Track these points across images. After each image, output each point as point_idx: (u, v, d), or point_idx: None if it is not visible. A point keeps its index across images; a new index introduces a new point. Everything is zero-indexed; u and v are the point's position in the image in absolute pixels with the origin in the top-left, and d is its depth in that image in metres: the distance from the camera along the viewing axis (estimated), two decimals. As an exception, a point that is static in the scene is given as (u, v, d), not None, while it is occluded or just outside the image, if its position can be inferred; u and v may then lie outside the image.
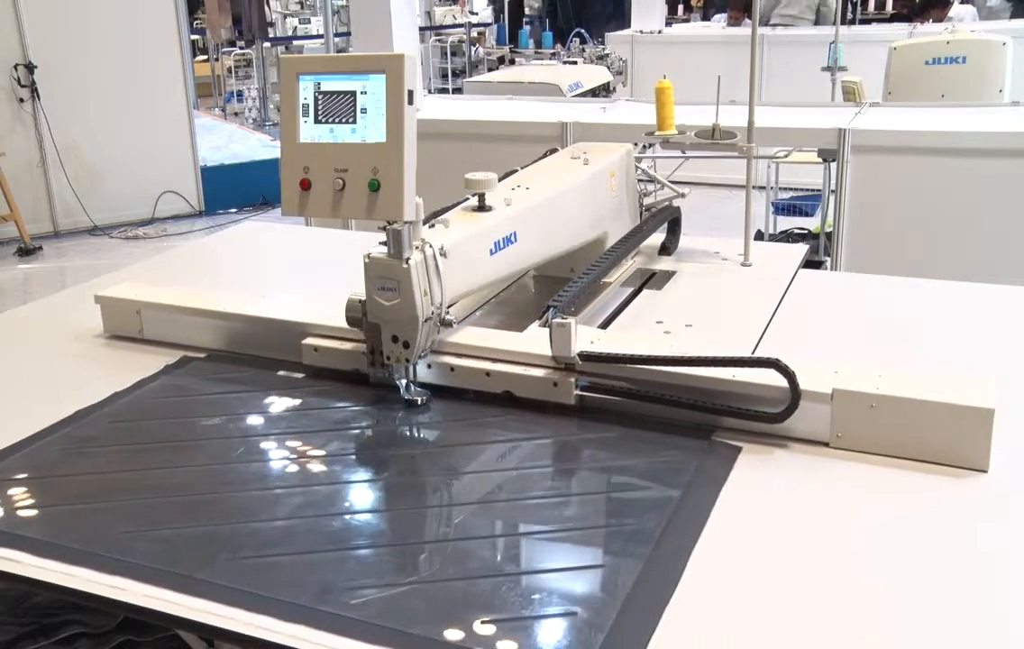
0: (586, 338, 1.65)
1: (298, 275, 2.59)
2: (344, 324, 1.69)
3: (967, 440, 1.40)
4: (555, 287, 1.86)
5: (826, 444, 1.48)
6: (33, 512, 1.42)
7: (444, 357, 1.70)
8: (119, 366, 1.88)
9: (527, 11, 12.92)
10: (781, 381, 1.46)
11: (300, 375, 1.80)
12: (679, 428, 1.54)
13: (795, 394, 1.45)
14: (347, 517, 1.36)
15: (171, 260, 3.05)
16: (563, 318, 1.62)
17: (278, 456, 1.55)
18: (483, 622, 1.10)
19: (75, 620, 1.59)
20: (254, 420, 1.68)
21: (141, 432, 1.63)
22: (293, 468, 1.51)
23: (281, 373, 1.81)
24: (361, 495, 1.44)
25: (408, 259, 1.53)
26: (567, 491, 1.45)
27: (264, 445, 1.59)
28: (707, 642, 1.08)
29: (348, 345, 1.75)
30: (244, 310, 1.91)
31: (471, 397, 1.67)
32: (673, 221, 2.40)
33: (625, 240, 2.19)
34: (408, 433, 1.62)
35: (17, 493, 1.45)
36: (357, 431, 1.62)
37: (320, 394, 1.72)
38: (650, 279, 2.29)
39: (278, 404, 1.71)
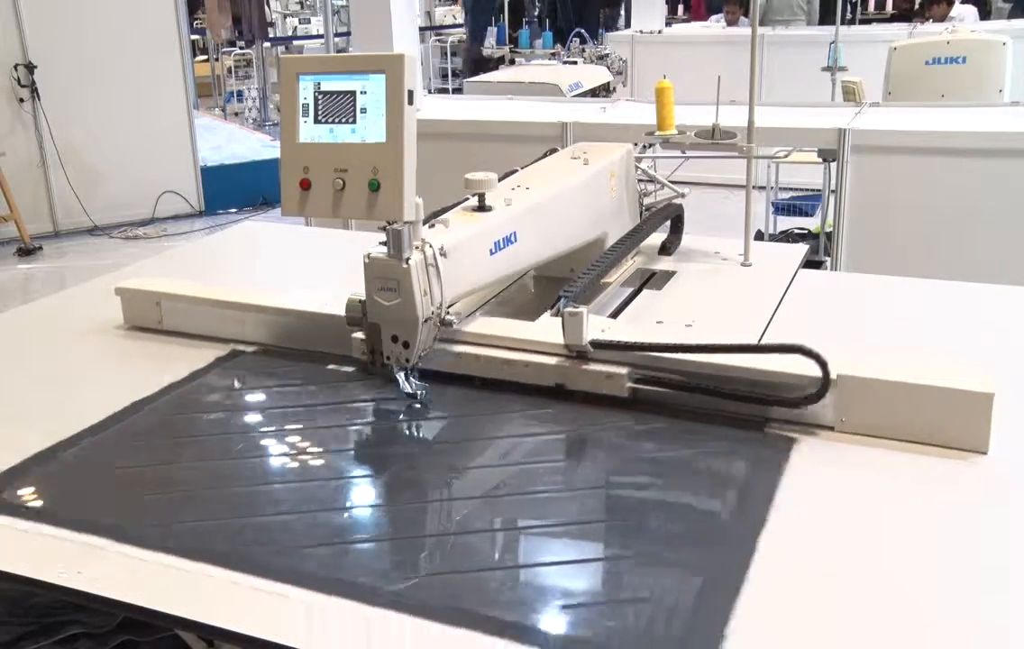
0: (597, 327, 1.67)
1: (298, 275, 2.59)
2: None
3: (968, 423, 1.43)
4: (555, 287, 1.86)
5: (831, 428, 1.51)
6: (104, 500, 1.43)
7: (487, 350, 1.72)
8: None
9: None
10: (798, 368, 1.49)
11: (351, 369, 1.80)
12: (712, 417, 1.57)
13: (825, 378, 1.46)
14: (420, 505, 1.40)
15: (171, 260, 3.05)
16: (575, 307, 1.64)
17: (352, 447, 1.59)
18: (564, 608, 1.13)
19: (75, 620, 1.59)
20: (315, 413, 1.69)
21: (200, 424, 1.66)
22: (375, 457, 1.56)
23: (331, 367, 1.82)
24: (431, 485, 1.48)
25: (408, 259, 1.53)
26: (624, 483, 1.47)
27: (334, 437, 1.61)
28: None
29: (491, 351, 1.76)
30: (292, 305, 1.92)
31: (501, 388, 1.70)
32: (676, 218, 2.40)
33: (632, 234, 2.21)
34: (463, 426, 1.65)
35: (84, 482, 1.47)
36: (415, 423, 1.64)
37: (373, 387, 1.74)
38: (650, 279, 2.30)
39: (341, 396, 1.73)
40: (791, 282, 2.21)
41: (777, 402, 1.52)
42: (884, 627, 1.08)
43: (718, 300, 2.16)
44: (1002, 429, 1.44)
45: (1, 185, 7.34)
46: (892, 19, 11.50)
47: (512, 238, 1.82)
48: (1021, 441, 1.48)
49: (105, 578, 1.21)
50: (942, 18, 8.33)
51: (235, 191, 8.78)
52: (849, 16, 11.24)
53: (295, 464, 1.54)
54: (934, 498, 1.36)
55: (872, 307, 2.14)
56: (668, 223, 2.41)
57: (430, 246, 1.57)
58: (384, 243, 1.55)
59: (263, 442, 1.61)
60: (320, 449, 1.57)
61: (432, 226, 1.67)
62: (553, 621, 1.11)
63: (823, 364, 1.46)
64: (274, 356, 1.90)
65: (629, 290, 2.21)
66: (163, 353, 1.94)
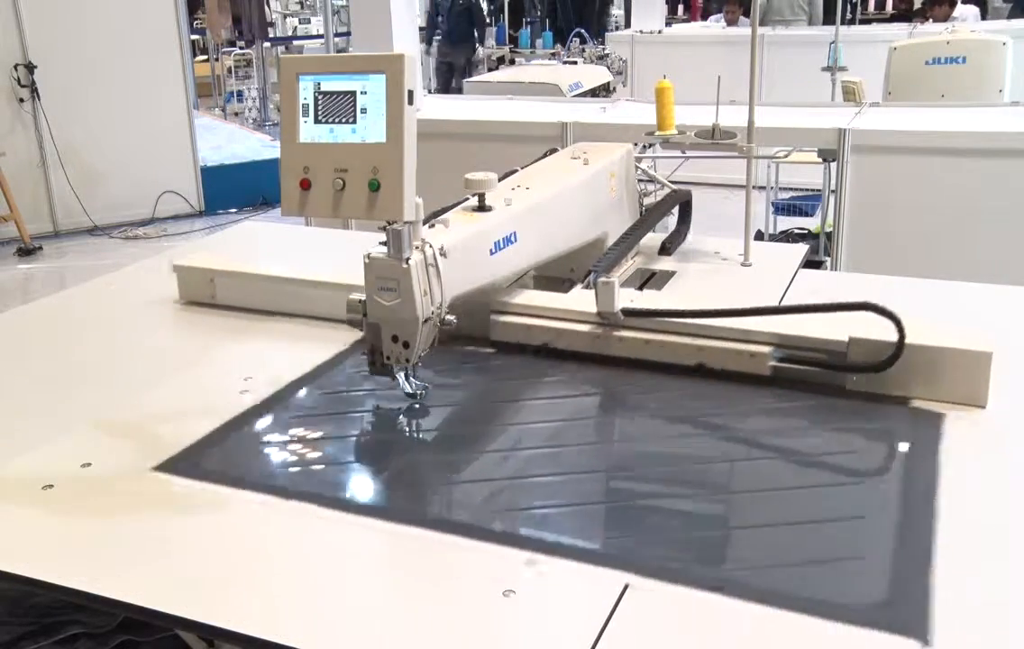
0: (626, 298, 1.81)
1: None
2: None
3: (969, 379, 1.56)
4: (555, 287, 1.87)
5: (843, 387, 1.63)
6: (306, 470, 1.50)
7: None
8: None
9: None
10: (832, 332, 1.63)
11: (489, 351, 1.87)
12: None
13: (901, 340, 1.55)
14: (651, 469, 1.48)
15: (173, 259, 3.04)
16: (607, 277, 1.77)
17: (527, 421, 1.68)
18: (774, 567, 1.20)
19: (75, 620, 1.59)
20: (485, 387, 1.80)
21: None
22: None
23: (469, 348, 1.88)
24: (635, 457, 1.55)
25: (408, 259, 1.53)
26: (794, 455, 1.53)
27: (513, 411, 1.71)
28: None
29: (534, 320, 1.85)
30: None
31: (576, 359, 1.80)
32: (685, 204, 2.41)
33: (648, 215, 2.29)
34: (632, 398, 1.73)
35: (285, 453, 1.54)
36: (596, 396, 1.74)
37: (505, 368, 1.83)
38: (650, 279, 2.30)
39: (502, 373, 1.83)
40: (791, 282, 2.21)
41: (860, 369, 1.61)
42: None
43: (718, 300, 2.15)
44: (1003, 433, 1.47)
45: (1, 185, 7.34)
46: (892, 19, 11.50)
47: (512, 238, 1.82)
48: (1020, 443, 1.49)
49: (105, 578, 1.21)
50: (944, 19, 8.32)
51: (235, 191, 8.78)
52: (849, 16, 11.23)
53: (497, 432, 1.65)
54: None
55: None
56: (677, 209, 2.44)
57: (430, 246, 1.57)
58: (384, 243, 1.55)
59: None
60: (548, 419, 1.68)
61: (432, 226, 1.67)
62: (776, 578, 1.17)
63: (900, 325, 1.55)
64: None
65: (630, 289, 2.21)
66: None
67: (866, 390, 1.61)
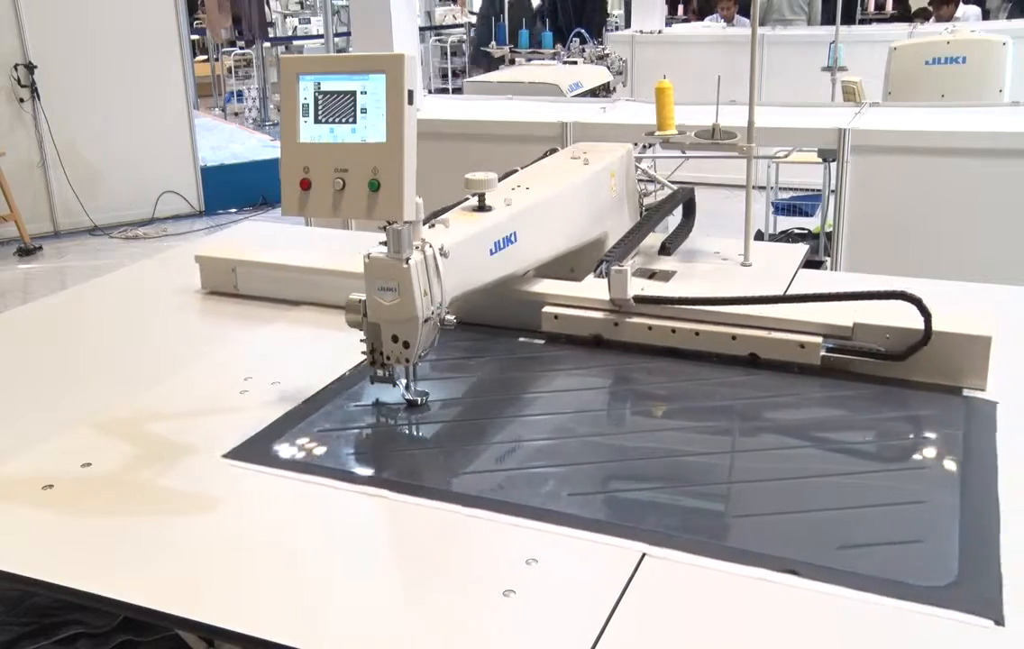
0: (637, 286, 1.86)
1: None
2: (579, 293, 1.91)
3: (970, 362, 1.64)
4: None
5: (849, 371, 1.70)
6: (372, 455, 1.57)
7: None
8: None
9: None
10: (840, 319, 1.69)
11: (540, 342, 1.91)
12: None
13: (928, 328, 1.61)
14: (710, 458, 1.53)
15: (174, 258, 3.05)
16: (620, 266, 1.82)
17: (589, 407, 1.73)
18: (842, 549, 1.23)
19: (75, 620, 1.59)
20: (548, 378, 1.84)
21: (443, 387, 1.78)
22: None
23: (522, 339, 1.93)
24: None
25: (408, 259, 1.53)
26: (853, 441, 1.56)
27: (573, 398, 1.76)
28: None
29: (585, 312, 1.89)
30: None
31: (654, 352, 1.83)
32: (689, 202, 2.42)
33: (656, 208, 2.34)
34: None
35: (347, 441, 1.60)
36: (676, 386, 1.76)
37: (564, 359, 1.86)
38: (650, 279, 2.29)
39: (561, 365, 1.87)
40: (791, 282, 2.21)
41: (884, 356, 1.66)
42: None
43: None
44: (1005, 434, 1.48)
45: (1, 185, 7.34)
46: (892, 19, 11.49)
47: (512, 238, 1.82)
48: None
49: (105, 578, 1.21)
50: (948, 18, 8.32)
51: (235, 191, 8.79)
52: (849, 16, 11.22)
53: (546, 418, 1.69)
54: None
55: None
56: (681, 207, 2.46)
57: (430, 246, 1.57)
58: (384, 243, 1.55)
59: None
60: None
61: (432, 226, 1.68)
62: (846, 560, 1.20)
63: (926, 312, 1.60)
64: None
65: (640, 279, 2.22)
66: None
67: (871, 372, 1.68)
